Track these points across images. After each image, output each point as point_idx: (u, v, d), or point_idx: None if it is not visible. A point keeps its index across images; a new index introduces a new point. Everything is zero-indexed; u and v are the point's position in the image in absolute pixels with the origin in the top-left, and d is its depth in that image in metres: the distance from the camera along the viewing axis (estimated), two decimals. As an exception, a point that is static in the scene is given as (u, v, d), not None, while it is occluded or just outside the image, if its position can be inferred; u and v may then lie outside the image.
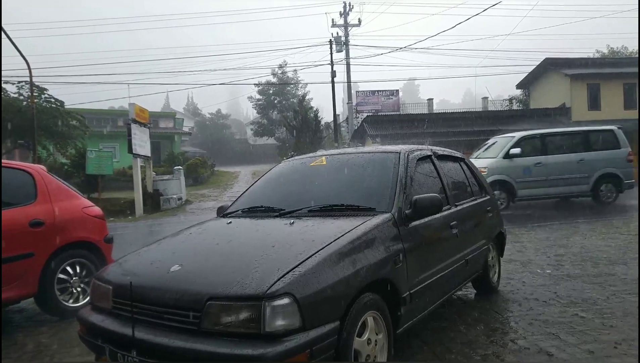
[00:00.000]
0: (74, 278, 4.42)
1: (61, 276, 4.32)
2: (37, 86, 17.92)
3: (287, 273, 2.10)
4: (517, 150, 10.65)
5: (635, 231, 7.57)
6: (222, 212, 3.64)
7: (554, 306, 3.97)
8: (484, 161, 10.94)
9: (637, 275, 4.81)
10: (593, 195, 10.86)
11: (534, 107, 26.49)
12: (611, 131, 11.08)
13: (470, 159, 4.87)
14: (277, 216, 3.08)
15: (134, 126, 16.03)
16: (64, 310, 4.29)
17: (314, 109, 32.64)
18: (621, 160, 10.75)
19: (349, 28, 28.24)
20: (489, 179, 9.70)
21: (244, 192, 3.87)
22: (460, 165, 4.39)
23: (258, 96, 46.33)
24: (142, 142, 16.86)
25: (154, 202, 17.25)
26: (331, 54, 25.41)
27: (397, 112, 27.43)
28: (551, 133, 11.42)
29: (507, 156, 10.67)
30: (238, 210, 3.50)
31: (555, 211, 11.54)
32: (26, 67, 15.66)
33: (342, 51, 27.57)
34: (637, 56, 28.77)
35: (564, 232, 8.17)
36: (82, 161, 16.85)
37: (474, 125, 22.21)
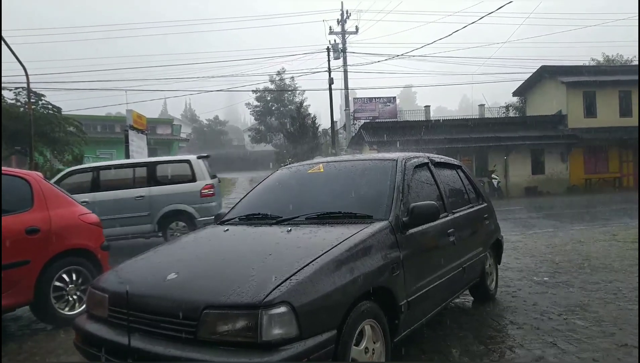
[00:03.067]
0: (70, 286, 4.39)
1: (57, 283, 4.29)
2: (35, 92, 17.87)
3: (284, 281, 2.09)
4: None
5: (632, 238, 7.59)
6: (219, 219, 3.63)
7: (552, 313, 3.97)
8: None
9: (635, 281, 4.82)
10: (163, 234, 9.11)
11: (530, 115, 26.62)
12: (187, 161, 9.48)
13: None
14: (274, 224, 3.07)
15: (131, 133, 16.06)
16: (59, 318, 4.25)
17: (312, 115, 32.78)
18: (193, 194, 9.09)
19: (347, 35, 28.38)
20: None
21: (242, 199, 3.86)
22: (457, 173, 4.40)
23: (256, 103, 46.43)
24: (139, 148, 16.88)
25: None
26: (329, 61, 25.49)
27: (395, 119, 27.50)
28: (107, 166, 9.66)
29: None
30: (235, 217, 3.49)
31: (553, 218, 11.57)
32: (23, 73, 15.65)
33: (339, 58, 27.68)
34: (632, 64, 29.03)
35: (561, 239, 8.19)
36: (79, 168, 16.78)
37: (471, 132, 22.28)
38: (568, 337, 3.39)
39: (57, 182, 8.58)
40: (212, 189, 9.27)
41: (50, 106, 18.66)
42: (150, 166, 9.28)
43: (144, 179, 9.07)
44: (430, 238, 3.23)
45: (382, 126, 23.98)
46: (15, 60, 14.70)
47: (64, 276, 4.36)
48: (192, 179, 9.22)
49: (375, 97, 29.67)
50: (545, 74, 24.96)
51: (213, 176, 9.71)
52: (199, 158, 9.64)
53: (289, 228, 2.87)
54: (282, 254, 2.48)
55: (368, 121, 26.52)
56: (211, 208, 9.16)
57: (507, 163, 22.27)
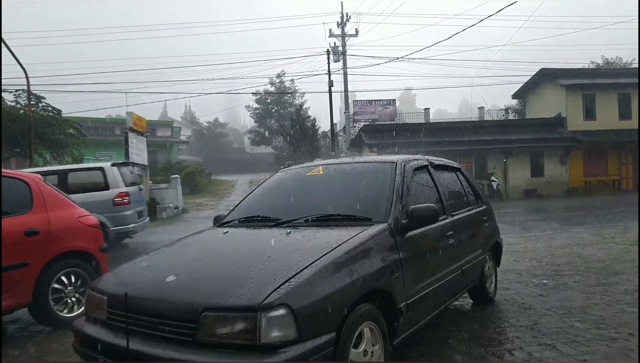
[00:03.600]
0: (68, 288, 4.39)
1: (56, 286, 4.29)
2: (35, 95, 17.89)
3: (283, 283, 2.09)
4: None
5: (632, 240, 7.59)
6: (219, 222, 3.63)
7: (551, 316, 3.96)
8: None
9: (636, 284, 4.81)
10: None
11: (529, 117, 26.65)
12: (100, 169, 9.18)
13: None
14: (273, 226, 3.08)
15: (131, 135, 16.04)
16: (58, 320, 4.25)
17: (311, 118, 32.75)
18: (106, 203, 8.71)
19: (347, 38, 28.44)
20: None
21: (241, 201, 3.86)
22: (457, 175, 4.40)
23: (256, 105, 46.43)
24: (139, 150, 16.85)
25: (150, 211, 17.16)
26: (328, 63, 25.53)
27: (394, 122, 27.51)
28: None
29: None
30: (235, 220, 3.49)
31: (552, 220, 11.56)
32: (24, 75, 15.66)
33: (339, 61, 27.72)
34: (631, 66, 29.06)
35: (560, 242, 8.18)
36: (78, 170, 16.75)
37: (471, 135, 22.31)
38: (567, 339, 3.39)
39: None
40: (126, 198, 8.98)
41: (50, 108, 18.66)
42: (62, 174, 8.95)
43: (61, 187, 8.50)
44: (429, 240, 3.23)
45: (381, 128, 24.01)
46: (16, 62, 14.73)
47: (63, 278, 4.36)
48: (105, 187, 8.94)
49: (374, 100, 29.69)
50: (545, 77, 25.00)
51: (132, 184, 9.41)
52: (113, 165, 9.32)
53: (288, 231, 2.87)
54: (281, 256, 2.48)
55: (368, 123, 26.52)
56: (125, 217, 8.89)
57: (506, 165, 22.28)
